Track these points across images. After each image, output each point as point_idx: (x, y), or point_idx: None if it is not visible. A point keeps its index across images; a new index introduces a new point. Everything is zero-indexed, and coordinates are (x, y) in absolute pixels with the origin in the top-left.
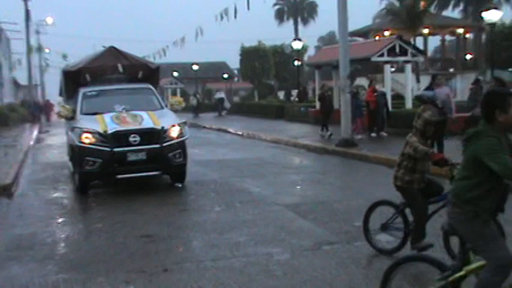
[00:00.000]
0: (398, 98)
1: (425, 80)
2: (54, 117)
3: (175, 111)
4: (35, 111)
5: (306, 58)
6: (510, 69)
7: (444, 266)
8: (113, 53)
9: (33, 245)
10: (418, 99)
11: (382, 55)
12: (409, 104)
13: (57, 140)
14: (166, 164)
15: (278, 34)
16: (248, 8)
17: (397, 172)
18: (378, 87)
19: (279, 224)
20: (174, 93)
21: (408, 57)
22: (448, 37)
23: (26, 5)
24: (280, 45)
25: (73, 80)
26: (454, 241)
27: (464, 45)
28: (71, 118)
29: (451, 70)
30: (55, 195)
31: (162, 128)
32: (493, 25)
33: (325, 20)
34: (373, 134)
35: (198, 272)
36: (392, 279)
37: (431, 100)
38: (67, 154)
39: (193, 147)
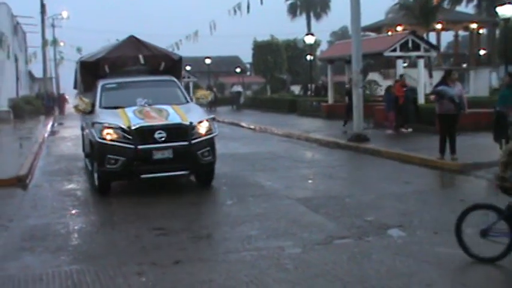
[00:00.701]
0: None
1: (437, 76)
2: (67, 110)
3: (200, 105)
4: (48, 103)
5: (318, 53)
6: None
7: None
8: (133, 42)
9: (47, 236)
10: (437, 95)
11: (394, 50)
12: (421, 100)
13: (71, 132)
14: (194, 163)
15: (291, 29)
16: (261, 3)
17: (504, 173)
18: (408, 82)
19: (290, 217)
20: (186, 87)
21: (421, 53)
22: (461, 32)
23: None
24: (293, 39)
25: (91, 72)
26: None
27: (477, 40)
28: (89, 112)
29: (464, 66)
30: (69, 186)
31: (191, 123)
32: (507, 20)
33: (338, 15)
34: (405, 130)
35: (210, 265)
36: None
37: (450, 96)
38: (82, 150)
39: None
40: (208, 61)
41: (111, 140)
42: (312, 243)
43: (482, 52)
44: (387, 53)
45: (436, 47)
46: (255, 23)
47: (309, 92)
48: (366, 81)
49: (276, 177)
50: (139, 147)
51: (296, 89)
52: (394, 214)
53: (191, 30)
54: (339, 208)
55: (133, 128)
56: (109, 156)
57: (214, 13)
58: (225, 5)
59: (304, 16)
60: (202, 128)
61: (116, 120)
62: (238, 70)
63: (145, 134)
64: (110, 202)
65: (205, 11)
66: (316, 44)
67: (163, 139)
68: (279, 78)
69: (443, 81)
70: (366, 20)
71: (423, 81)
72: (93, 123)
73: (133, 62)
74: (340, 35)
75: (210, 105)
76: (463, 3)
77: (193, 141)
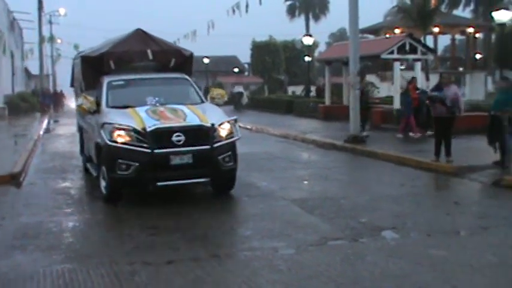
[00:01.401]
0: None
1: (434, 79)
2: (66, 108)
3: (216, 105)
4: (43, 100)
5: (316, 54)
6: None
7: None
8: (140, 36)
9: (39, 234)
10: (429, 99)
11: (392, 52)
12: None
13: (66, 130)
14: (215, 169)
15: (289, 29)
16: (260, 3)
17: None
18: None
19: (285, 218)
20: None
21: (418, 55)
22: (458, 36)
23: None
24: (291, 40)
25: (94, 68)
26: None
27: (474, 44)
28: (94, 111)
29: (461, 69)
30: (63, 185)
31: (212, 125)
32: (503, 25)
33: (336, 17)
34: (423, 134)
35: (202, 265)
36: None
37: (440, 99)
38: (80, 153)
39: None
40: (206, 61)
41: (123, 143)
42: (306, 244)
43: (478, 56)
44: (384, 55)
45: (433, 50)
46: (253, 23)
47: (311, 93)
48: (363, 83)
49: (272, 178)
50: (156, 151)
51: (294, 89)
52: (389, 216)
53: (190, 29)
54: (334, 209)
55: (148, 129)
56: (120, 161)
57: (213, 13)
58: (224, 5)
59: (303, 17)
60: (224, 131)
61: (128, 121)
62: (236, 70)
63: (162, 136)
64: (104, 201)
65: (204, 10)
66: (315, 45)
67: (181, 142)
68: (277, 78)
69: (439, 84)
70: (364, 22)
71: (420, 84)
72: (102, 124)
73: (140, 57)
74: (339, 36)
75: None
76: (460, 8)
77: (215, 145)
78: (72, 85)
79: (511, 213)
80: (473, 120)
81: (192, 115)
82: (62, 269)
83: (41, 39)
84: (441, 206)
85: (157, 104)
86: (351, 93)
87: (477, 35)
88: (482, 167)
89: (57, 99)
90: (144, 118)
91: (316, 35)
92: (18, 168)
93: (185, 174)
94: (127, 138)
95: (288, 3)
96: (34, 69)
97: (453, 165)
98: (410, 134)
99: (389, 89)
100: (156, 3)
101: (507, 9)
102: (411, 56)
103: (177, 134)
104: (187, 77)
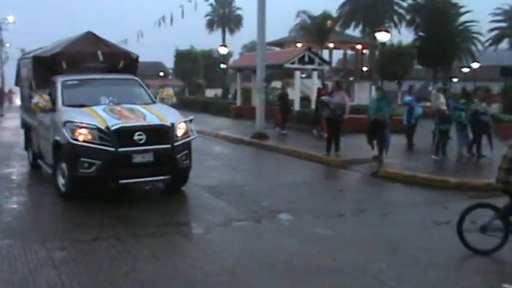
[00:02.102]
0: (306, 99)
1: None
2: (6, 104)
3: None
4: None
5: (230, 62)
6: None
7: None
8: (91, 38)
9: None
10: (320, 103)
11: (293, 63)
12: (313, 106)
13: (11, 123)
14: (174, 167)
15: (208, 40)
16: (183, 17)
17: (507, 177)
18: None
19: (196, 202)
20: None
21: (315, 66)
22: (349, 51)
23: None
24: (209, 50)
25: (45, 68)
26: None
27: (362, 59)
28: (49, 110)
29: (351, 79)
30: (6, 171)
31: (172, 125)
32: (383, 44)
33: (249, 30)
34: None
35: (122, 242)
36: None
37: (326, 103)
38: (25, 149)
39: None
40: None
41: (86, 142)
42: (214, 225)
43: (365, 68)
44: (287, 65)
45: (328, 62)
46: (177, 34)
47: (229, 95)
48: (269, 88)
49: None
50: (120, 150)
51: (211, 92)
52: (285, 201)
53: (121, 37)
54: (239, 195)
55: (112, 128)
56: (83, 159)
57: (142, 24)
58: (152, 17)
59: (220, 30)
60: (181, 130)
61: (90, 120)
62: (161, 74)
63: (124, 135)
64: (42, 186)
65: (134, 21)
66: (229, 54)
67: (142, 141)
68: (196, 82)
69: (331, 91)
70: (272, 36)
71: (316, 90)
72: (64, 122)
73: (91, 58)
74: (250, 47)
75: None
76: (351, 28)
77: (176, 144)
78: (16, 84)
79: (384, 199)
80: (359, 122)
81: (150, 115)
82: (0, 244)
83: None
84: (329, 193)
85: (112, 104)
86: (257, 96)
87: (364, 51)
88: (364, 160)
89: (3, 96)
90: (105, 117)
91: (231, 46)
92: None
93: (147, 172)
94: (89, 137)
95: (208, 18)
96: None
97: (340, 159)
98: (321, 133)
99: (291, 93)
100: (92, 12)
101: (387, 31)
102: (309, 66)
103: (138, 133)
104: (137, 78)
